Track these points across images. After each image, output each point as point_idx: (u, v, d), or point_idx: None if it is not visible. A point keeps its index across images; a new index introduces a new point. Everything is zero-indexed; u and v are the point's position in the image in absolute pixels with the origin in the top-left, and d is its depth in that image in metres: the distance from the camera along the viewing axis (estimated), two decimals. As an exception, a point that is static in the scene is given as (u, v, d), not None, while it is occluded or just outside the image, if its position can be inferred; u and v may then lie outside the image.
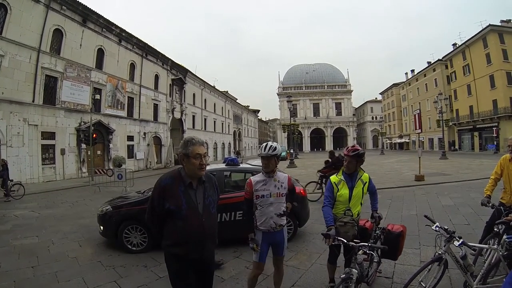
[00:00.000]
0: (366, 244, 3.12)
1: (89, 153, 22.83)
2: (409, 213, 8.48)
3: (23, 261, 5.62)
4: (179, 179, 2.53)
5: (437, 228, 3.32)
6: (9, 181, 13.16)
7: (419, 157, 15.21)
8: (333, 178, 3.77)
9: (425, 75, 61.38)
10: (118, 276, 4.86)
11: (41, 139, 20.23)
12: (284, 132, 54.61)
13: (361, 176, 3.72)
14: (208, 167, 6.78)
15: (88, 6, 23.92)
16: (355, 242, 3.15)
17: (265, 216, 3.42)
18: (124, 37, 29.26)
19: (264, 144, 3.54)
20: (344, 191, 3.64)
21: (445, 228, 3.30)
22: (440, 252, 3.27)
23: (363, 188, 3.69)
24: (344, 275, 3.01)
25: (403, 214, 8.41)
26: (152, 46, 33.72)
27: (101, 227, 6.40)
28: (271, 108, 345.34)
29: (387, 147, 76.18)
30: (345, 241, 3.13)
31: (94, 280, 4.72)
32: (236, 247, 5.86)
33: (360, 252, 3.17)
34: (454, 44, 50.41)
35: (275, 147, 3.43)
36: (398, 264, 4.77)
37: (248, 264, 4.95)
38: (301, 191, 6.61)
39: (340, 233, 3.28)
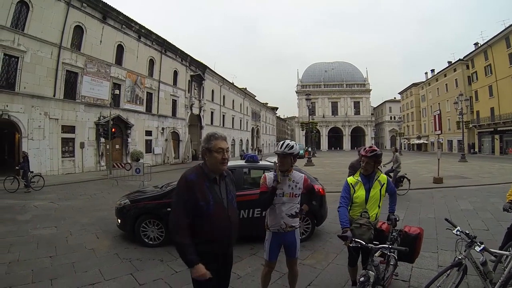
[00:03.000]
0: (386, 245, 3.07)
1: (107, 147, 23.19)
2: (427, 216, 8.34)
3: (42, 251, 5.73)
4: (203, 175, 2.50)
5: (458, 233, 3.23)
6: (29, 173, 13.51)
7: (438, 159, 14.93)
8: (350, 179, 3.72)
9: (445, 75, 60.01)
10: (134, 269, 4.91)
11: (61, 132, 20.71)
12: (302, 130, 54.43)
13: (379, 177, 3.65)
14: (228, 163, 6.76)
15: (108, 3, 24.28)
16: (374, 244, 3.09)
17: (276, 216, 3.39)
18: (144, 34, 29.57)
19: (282, 141, 3.48)
20: (360, 192, 3.58)
21: (467, 232, 3.20)
22: (460, 257, 3.18)
23: (380, 190, 3.61)
24: (362, 278, 2.95)
25: (420, 216, 8.27)
26: (171, 42, 33.95)
27: (119, 220, 6.49)
28: (289, 106, 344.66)
29: (405, 148, 75.09)
30: (364, 243, 3.06)
31: (110, 272, 4.78)
32: (252, 244, 5.86)
33: (377, 254, 3.10)
34: (475, 44, 48.91)
35: (292, 145, 3.36)
36: (415, 267, 4.68)
37: (264, 261, 4.90)
38: (320, 190, 6.47)
39: (355, 235, 3.20)
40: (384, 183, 3.65)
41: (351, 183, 3.64)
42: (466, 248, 3.19)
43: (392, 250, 3.06)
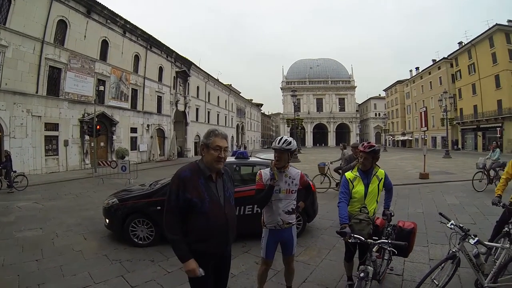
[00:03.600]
0: (385, 241, 3.09)
1: (92, 145, 22.75)
2: (415, 210, 8.47)
3: (27, 254, 5.53)
4: (199, 172, 2.45)
5: (452, 226, 3.31)
6: (12, 172, 13.12)
7: (424, 155, 15.13)
8: (348, 174, 3.71)
9: (429, 73, 60.93)
10: (125, 271, 4.80)
11: (45, 130, 20.21)
12: (288, 126, 54.49)
13: (376, 172, 3.66)
14: None
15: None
16: (373, 239, 3.10)
17: (272, 212, 3.36)
18: (129, 29, 29.12)
19: (279, 137, 3.45)
20: (359, 187, 3.57)
21: (460, 226, 3.29)
22: (454, 250, 3.27)
23: (378, 185, 3.63)
24: (362, 274, 2.97)
25: (409, 211, 8.37)
26: (157, 38, 33.57)
27: (107, 220, 6.34)
28: (274, 103, 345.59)
29: (389, 144, 76.05)
30: (363, 238, 3.06)
31: (100, 274, 4.65)
32: (244, 241, 5.81)
33: (375, 249, 3.11)
34: (460, 43, 49.70)
35: (290, 141, 3.32)
36: (407, 261, 4.74)
37: (257, 259, 4.88)
38: (311, 185, 6.47)
39: (354, 231, 3.22)
40: (382, 178, 3.67)
41: (349, 178, 3.64)
42: (460, 241, 3.28)
43: (390, 245, 3.06)
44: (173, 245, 2.32)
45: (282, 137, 3.39)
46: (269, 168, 3.44)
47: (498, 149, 12.03)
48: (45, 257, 5.41)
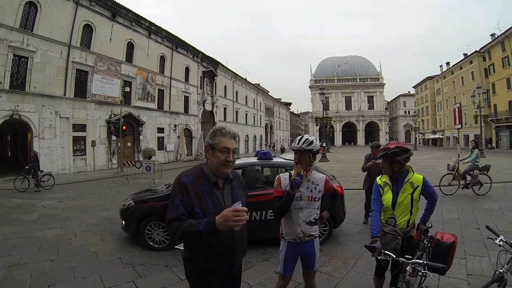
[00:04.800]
0: (420, 261, 2.51)
1: (119, 145, 23.07)
2: (450, 216, 7.74)
3: (43, 254, 5.53)
4: (202, 177, 2.08)
5: (501, 243, 2.73)
6: (39, 172, 13.48)
7: (458, 155, 14.21)
8: (378, 179, 3.23)
9: (461, 68, 58.17)
10: (136, 276, 4.60)
11: (72, 131, 20.75)
12: (316, 125, 53.69)
13: (410, 179, 3.07)
14: (238, 161, 6.36)
15: (116, 1, 24.17)
16: (406, 258, 2.58)
17: (292, 223, 2.89)
18: (154, 31, 29.40)
19: (300, 136, 2.96)
20: (387, 195, 3.08)
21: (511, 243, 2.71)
22: (501, 271, 2.63)
23: (412, 194, 3.03)
24: None
25: (443, 217, 7.61)
26: (182, 39, 33.72)
27: (123, 222, 6.20)
28: (303, 101, 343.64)
29: (419, 143, 73.43)
30: (394, 256, 2.59)
31: (111, 278, 4.49)
32: (265, 248, 5.47)
33: (408, 267, 2.58)
34: (492, 35, 46.95)
35: (312, 141, 2.83)
36: (442, 276, 4.13)
37: (277, 268, 4.52)
38: (338, 188, 5.93)
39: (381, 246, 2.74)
40: (418, 186, 3.05)
41: (379, 184, 3.16)
42: (510, 261, 2.69)
43: (426, 267, 2.52)
44: (188, 234, 1.88)
45: (302, 136, 2.92)
46: (288, 172, 3.00)
47: (476, 150, 10.79)
48: (60, 257, 5.39)
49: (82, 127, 21.54)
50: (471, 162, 10.54)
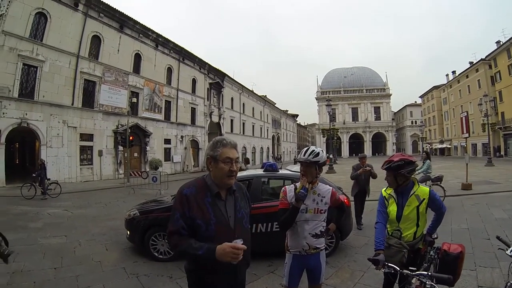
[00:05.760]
0: (425, 273, 2.44)
1: (126, 155, 23.24)
2: (459, 226, 7.54)
3: (47, 262, 5.51)
4: (205, 188, 2.05)
5: None
6: (46, 180, 13.57)
7: (467, 164, 14.02)
8: (384, 191, 3.15)
9: (467, 76, 57.60)
10: (140, 286, 4.57)
11: (80, 140, 20.95)
12: (323, 136, 53.58)
13: (416, 191, 2.97)
14: (245, 173, 6.45)
15: (124, 13, 24.64)
16: (411, 270, 2.51)
17: (297, 235, 2.84)
18: (161, 42, 29.79)
19: (306, 148, 2.93)
20: (391, 208, 2.99)
21: None
22: None
23: (418, 207, 2.93)
24: None
25: (452, 227, 7.40)
26: (189, 51, 34.08)
27: (128, 232, 6.18)
28: (309, 113, 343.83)
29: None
30: (398, 268, 2.52)
31: (114, 288, 4.44)
32: (271, 260, 5.36)
33: (414, 280, 2.50)
34: (497, 42, 46.60)
35: (318, 152, 2.80)
36: None
37: (283, 281, 4.44)
38: (345, 200, 5.86)
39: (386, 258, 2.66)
40: (424, 199, 2.95)
41: (384, 196, 3.09)
42: None
43: (432, 279, 2.42)
44: (189, 254, 1.91)
45: (308, 148, 2.89)
46: (294, 184, 2.96)
47: (428, 161, 10.38)
48: (63, 265, 5.36)
49: (89, 137, 21.73)
50: (423, 173, 10.22)
